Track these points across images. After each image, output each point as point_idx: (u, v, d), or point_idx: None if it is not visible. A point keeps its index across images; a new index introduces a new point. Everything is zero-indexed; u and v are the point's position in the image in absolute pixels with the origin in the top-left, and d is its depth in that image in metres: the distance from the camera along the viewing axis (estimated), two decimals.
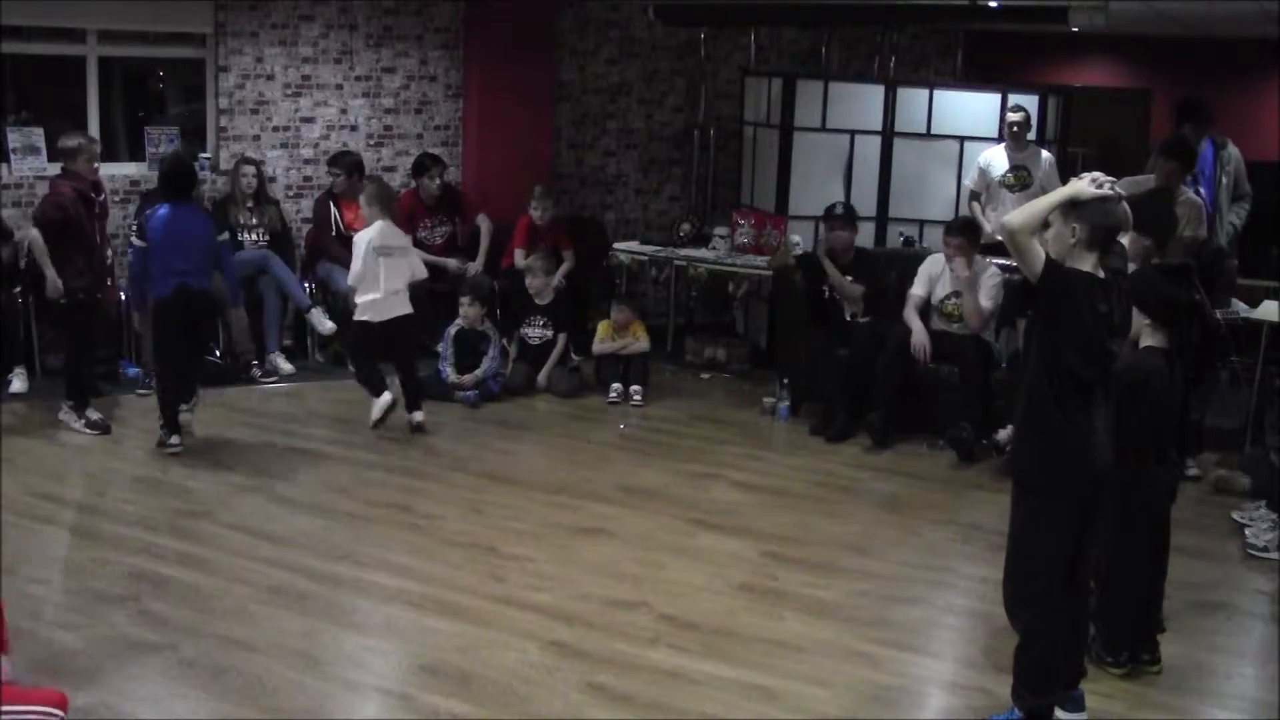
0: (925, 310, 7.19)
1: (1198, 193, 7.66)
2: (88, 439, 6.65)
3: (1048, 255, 3.66)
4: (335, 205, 8.41)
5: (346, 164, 8.45)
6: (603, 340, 8.04)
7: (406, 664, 4.34)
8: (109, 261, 7.03)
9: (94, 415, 6.72)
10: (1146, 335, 4.28)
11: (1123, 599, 4.37)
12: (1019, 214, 3.73)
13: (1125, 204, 3.84)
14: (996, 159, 8.12)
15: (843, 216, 7.58)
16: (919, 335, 6.99)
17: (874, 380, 7.13)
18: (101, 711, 3.86)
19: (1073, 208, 3.70)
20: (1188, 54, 10.36)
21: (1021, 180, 7.97)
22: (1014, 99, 8.42)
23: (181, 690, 4.06)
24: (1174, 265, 4.65)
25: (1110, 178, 3.76)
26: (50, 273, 6.58)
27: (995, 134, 8.67)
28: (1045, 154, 8.19)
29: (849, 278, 7.49)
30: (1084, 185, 3.71)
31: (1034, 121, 8.33)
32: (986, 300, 7.02)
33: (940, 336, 7.05)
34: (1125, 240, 3.95)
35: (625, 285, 8.89)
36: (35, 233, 6.67)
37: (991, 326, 7.17)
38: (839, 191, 8.75)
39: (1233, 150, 8.08)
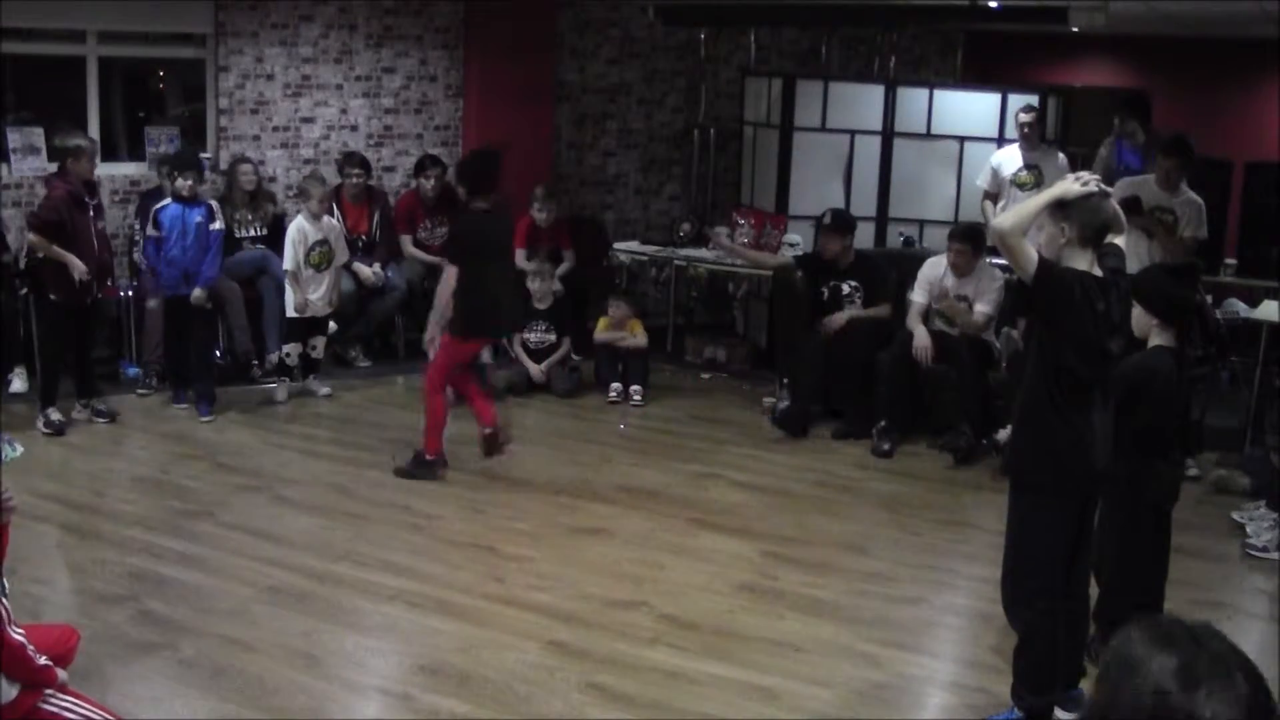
0: (925, 313, 7.18)
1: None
2: (84, 439, 6.66)
3: (1041, 256, 3.67)
4: (338, 206, 8.38)
5: (366, 165, 8.46)
6: (602, 332, 8.07)
7: (406, 664, 4.34)
8: (107, 262, 6.98)
9: (54, 416, 6.71)
10: (1154, 334, 4.29)
11: (1124, 598, 4.37)
12: (1008, 217, 3.75)
13: (1114, 202, 3.86)
14: (1009, 158, 8.07)
15: (831, 225, 7.52)
16: (920, 339, 6.98)
17: (875, 380, 7.13)
18: None
19: (1061, 208, 3.71)
20: (1188, 54, 10.36)
21: (1034, 179, 7.92)
22: (1025, 99, 8.38)
23: (181, 690, 4.06)
24: (1180, 265, 4.66)
25: (1095, 176, 3.78)
26: (68, 258, 6.52)
27: (995, 134, 8.68)
28: (1060, 155, 8.14)
29: (851, 281, 7.48)
30: (1070, 185, 3.73)
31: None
32: (987, 306, 7.01)
33: (939, 337, 7.05)
34: (1121, 240, 3.95)
35: (625, 285, 8.89)
36: (32, 236, 6.62)
37: (991, 327, 7.17)
38: (839, 191, 8.75)
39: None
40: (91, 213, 6.68)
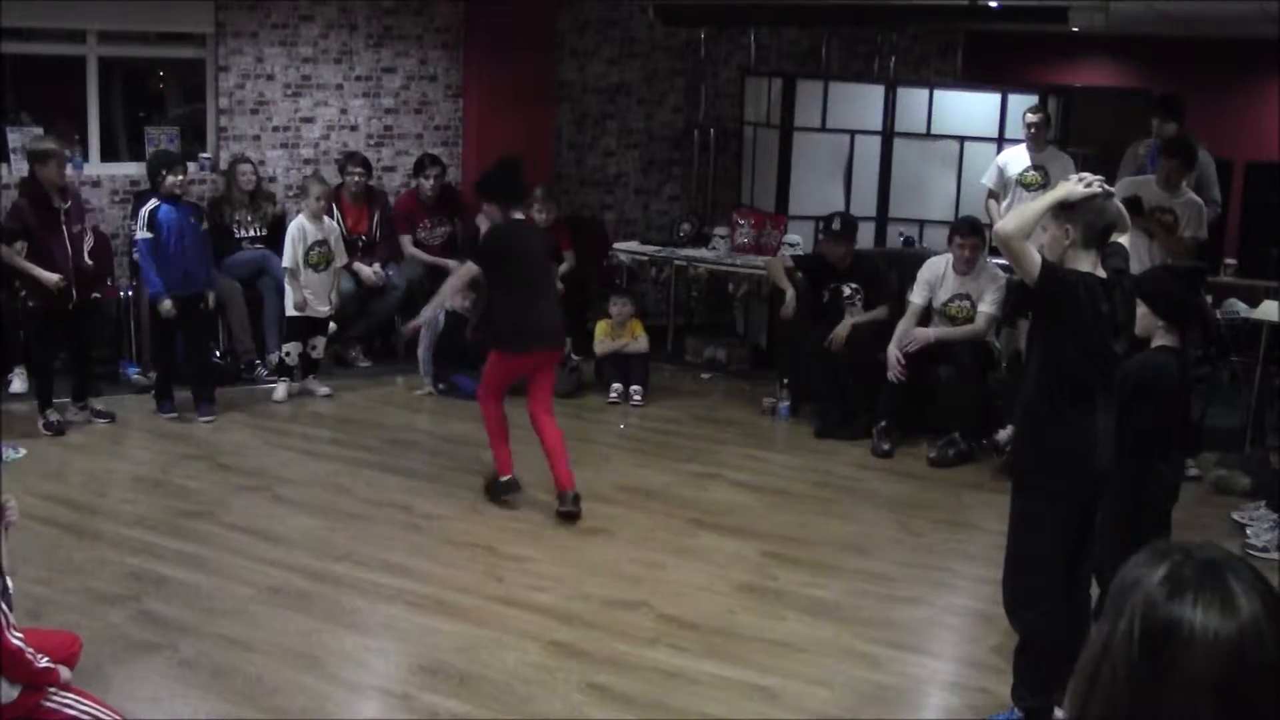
0: (927, 314, 7.16)
1: None
2: (84, 439, 6.66)
3: (1044, 257, 3.67)
4: (338, 206, 8.36)
5: (367, 165, 8.46)
6: (602, 340, 8.04)
7: (406, 664, 4.35)
8: (87, 267, 6.75)
9: (53, 417, 6.70)
10: (1159, 335, 4.30)
11: None
12: (1011, 219, 3.74)
13: (1118, 202, 3.86)
14: (1015, 158, 8.01)
15: (836, 231, 7.50)
16: (892, 352, 6.96)
17: (875, 380, 7.13)
18: None
19: (1064, 210, 3.71)
20: (1188, 54, 10.35)
21: (1040, 179, 7.88)
22: (1025, 99, 8.35)
23: (181, 690, 4.06)
24: (1186, 268, 4.67)
25: (1099, 176, 3.78)
26: (34, 270, 6.48)
27: (995, 134, 8.67)
28: (1067, 156, 8.10)
29: (852, 283, 7.48)
30: (1073, 186, 3.72)
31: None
32: (990, 308, 6.99)
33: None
34: (1124, 240, 3.95)
35: (625, 285, 8.88)
36: (7, 250, 6.50)
37: (994, 328, 7.15)
38: (839, 191, 8.75)
39: (1203, 155, 7.55)
40: (64, 218, 6.56)
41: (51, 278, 6.47)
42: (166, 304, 6.89)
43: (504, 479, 5.89)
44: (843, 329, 7.30)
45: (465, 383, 7.58)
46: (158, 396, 7.15)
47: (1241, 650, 1.29)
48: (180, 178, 6.94)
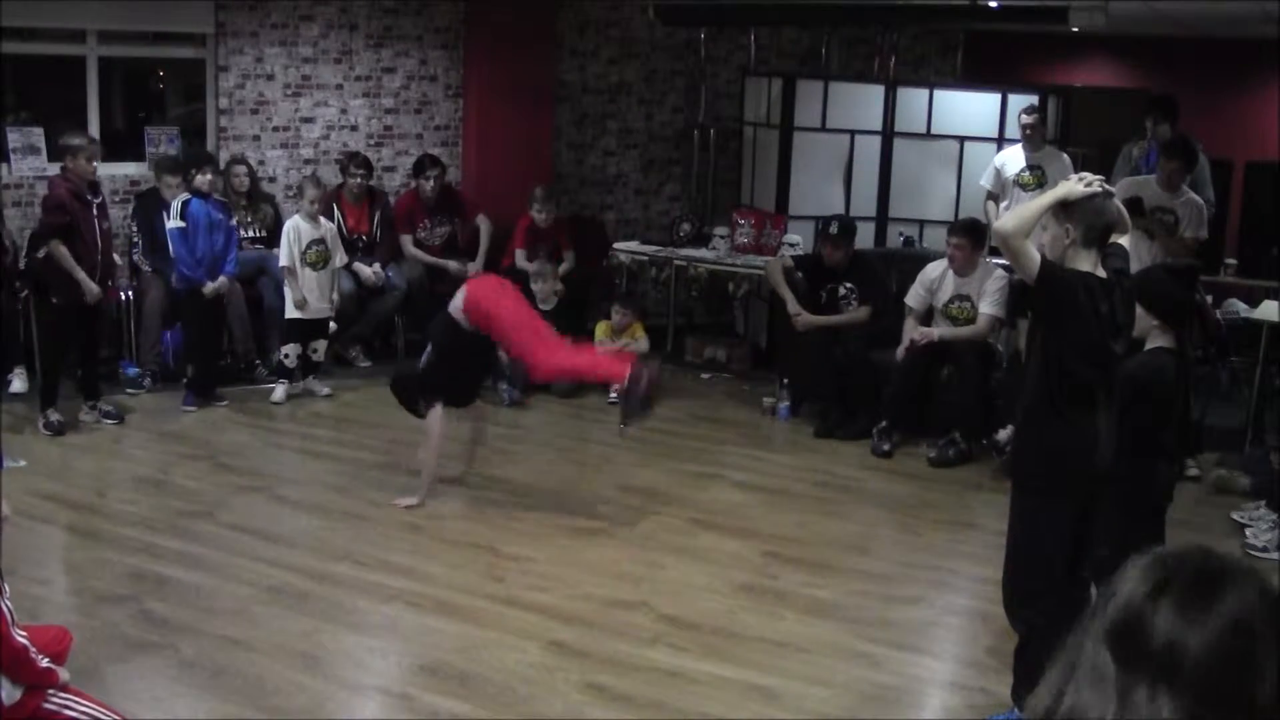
0: (928, 316, 7.16)
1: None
2: (84, 439, 6.66)
3: (1043, 257, 3.66)
4: (338, 206, 8.36)
5: (369, 165, 8.47)
6: (603, 341, 8.04)
7: (406, 664, 4.35)
8: (112, 261, 6.91)
9: (53, 417, 6.69)
10: (1155, 336, 4.29)
11: None
12: (1010, 218, 3.74)
13: (1118, 202, 3.86)
14: (1012, 159, 8.00)
15: (833, 236, 7.49)
16: (900, 351, 6.99)
17: (872, 378, 7.13)
18: None
19: (1064, 209, 3.71)
20: (1188, 54, 10.35)
21: (1037, 180, 7.87)
22: (1025, 99, 8.35)
23: (181, 690, 4.06)
24: (1181, 266, 4.66)
25: (1099, 176, 3.78)
26: (81, 276, 6.51)
27: (995, 134, 8.67)
28: (1064, 156, 8.10)
29: (848, 283, 7.49)
30: (1074, 186, 3.72)
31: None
32: (991, 309, 6.98)
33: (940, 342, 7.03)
34: (1124, 240, 3.95)
35: (625, 285, 8.89)
36: (58, 246, 6.51)
37: (996, 329, 7.15)
38: (839, 191, 8.74)
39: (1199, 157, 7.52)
40: (95, 211, 6.66)
41: (94, 289, 6.56)
42: (210, 285, 7.16)
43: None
44: (811, 321, 7.33)
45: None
46: (189, 386, 7.27)
47: (1209, 662, 1.26)
48: (210, 176, 7.22)
